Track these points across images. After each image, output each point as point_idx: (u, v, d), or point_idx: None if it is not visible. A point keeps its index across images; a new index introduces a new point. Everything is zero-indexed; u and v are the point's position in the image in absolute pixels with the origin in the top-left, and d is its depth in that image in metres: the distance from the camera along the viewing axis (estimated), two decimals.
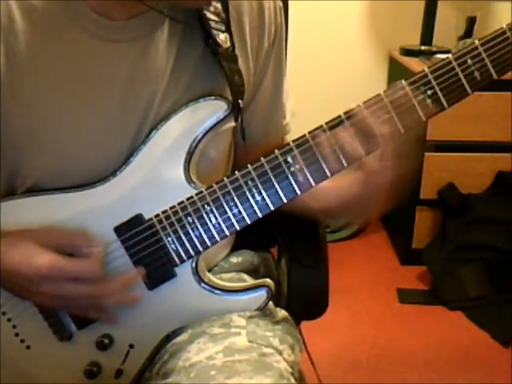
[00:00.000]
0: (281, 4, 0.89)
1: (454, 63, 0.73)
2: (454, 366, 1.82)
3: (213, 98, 0.78)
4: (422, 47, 2.37)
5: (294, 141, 0.76)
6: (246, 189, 0.77)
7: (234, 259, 1.00)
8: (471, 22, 2.24)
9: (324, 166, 0.75)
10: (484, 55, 0.73)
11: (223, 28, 0.80)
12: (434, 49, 2.35)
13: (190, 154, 0.78)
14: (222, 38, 0.79)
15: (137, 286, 0.80)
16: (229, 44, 0.80)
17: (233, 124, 0.84)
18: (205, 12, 0.78)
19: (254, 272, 1.01)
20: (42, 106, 0.76)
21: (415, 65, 2.14)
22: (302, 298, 0.98)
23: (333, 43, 2.57)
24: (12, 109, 0.76)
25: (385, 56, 2.61)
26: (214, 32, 0.78)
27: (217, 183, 0.77)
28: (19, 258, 0.75)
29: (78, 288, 0.76)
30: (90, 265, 0.76)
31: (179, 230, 0.78)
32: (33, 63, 0.75)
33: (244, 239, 1.01)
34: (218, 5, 0.80)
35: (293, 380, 0.77)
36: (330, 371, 1.76)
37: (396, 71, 2.48)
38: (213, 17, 0.79)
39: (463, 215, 2.18)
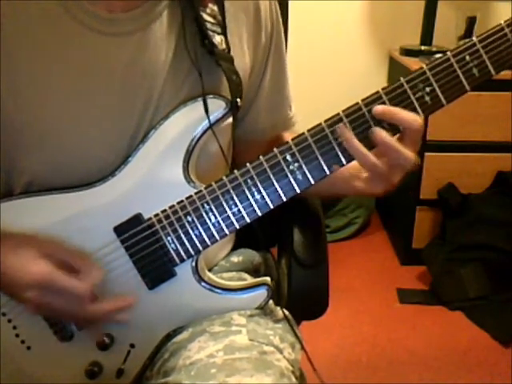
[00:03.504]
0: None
1: (452, 60, 0.73)
2: (454, 366, 1.82)
3: (211, 96, 0.78)
4: (422, 47, 2.37)
5: (292, 139, 0.76)
6: (245, 187, 0.77)
7: (235, 258, 1.00)
8: (471, 22, 2.25)
9: (323, 164, 0.75)
10: (482, 52, 0.72)
11: (219, 30, 0.80)
12: (434, 49, 2.35)
13: (188, 153, 0.79)
14: (218, 39, 0.80)
15: (137, 285, 0.80)
16: (224, 46, 0.80)
17: (231, 121, 0.84)
18: (201, 13, 0.79)
19: (254, 271, 1.01)
20: (39, 100, 0.77)
21: (415, 65, 2.14)
22: (302, 298, 0.98)
23: (333, 43, 2.57)
24: (9, 102, 0.76)
25: (385, 56, 2.62)
26: (210, 33, 0.79)
27: (216, 182, 0.77)
28: (16, 261, 0.75)
29: (63, 302, 0.76)
30: (83, 286, 0.75)
31: (179, 229, 0.78)
32: (29, 56, 0.75)
33: (244, 239, 1.01)
34: (215, 7, 0.81)
35: (293, 378, 0.77)
36: (330, 371, 1.76)
37: (396, 71, 2.48)
38: (209, 18, 0.79)
39: (463, 215, 2.18)
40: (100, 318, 0.79)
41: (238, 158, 0.92)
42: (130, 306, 0.79)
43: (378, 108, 0.74)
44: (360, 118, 0.74)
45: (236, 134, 0.95)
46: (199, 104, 0.78)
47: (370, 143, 0.74)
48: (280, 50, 0.92)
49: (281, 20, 0.92)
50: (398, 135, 0.75)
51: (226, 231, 0.78)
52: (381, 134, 0.73)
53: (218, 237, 0.79)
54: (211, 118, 0.78)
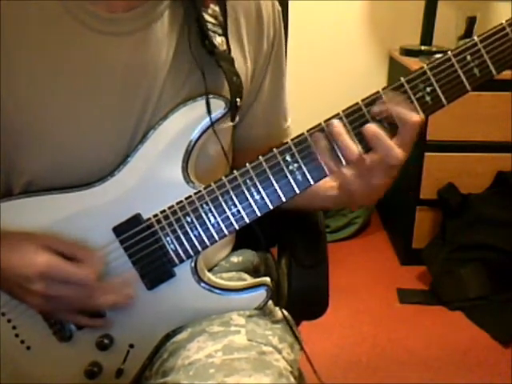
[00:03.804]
0: (279, 7, 0.90)
1: (453, 60, 0.73)
2: (454, 366, 1.82)
3: (211, 96, 0.78)
4: (422, 47, 2.37)
5: (292, 139, 0.76)
6: (244, 188, 0.77)
7: (235, 259, 1.00)
8: (471, 22, 2.25)
9: (323, 165, 0.75)
10: (483, 51, 0.72)
11: (220, 31, 0.80)
12: (434, 49, 2.35)
13: (187, 154, 0.78)
14: (219, 40, 0.80)
15: (136, 286, 0.80)
16: (225, 47, 0.80)
17: (231, 124, 0.84)
18: (203, 14, 0.79)
19: (254, 272, 1.01)
20: (39, 100, 0.76)
21: (415, 65, 2.14)
22: (302, 298, 0.98)
23: (333, 43, 2.57)
24: (9, 103, 0.76)
25: (385, 56, 2.61)
26: (211, 34, 0.79)
27: (215, 182, 0.77)
28: (18, 256, 0.75)
29: (70, 291, 0.76)
30: (87, 272, 0.76)
31: (178, 229, 0.78)
32: (29, 56, 0.75)
33: (244, 239, 1.01)
34: (216, 8, 0.80)
35: (292, 379, 0.77)
36: (330, 371, 1.76)
37: (396, 71, 2.48)
38: (210, 19, 0.79)
39: (463, 215, 2.18)
40: (107, 302, 0.79)
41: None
42: (132, 281, 0.79)
43: (377, 106, 0.74)
44: (360, 118, 0.74)
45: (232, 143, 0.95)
46: (198, 104, 0.78)
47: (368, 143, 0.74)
48: (280, 60, 0.92)
49: (283, 29, 0.92)
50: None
51: (226, 232, 0.78)
52: (373, 127, 0.73)
53: (217, 237, 0.79)
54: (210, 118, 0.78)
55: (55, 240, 0.78)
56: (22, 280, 0.75)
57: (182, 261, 0.79)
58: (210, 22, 0.80)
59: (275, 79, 0.92)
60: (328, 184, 0.83)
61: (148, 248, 0.79)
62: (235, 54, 0.83)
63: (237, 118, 0.84)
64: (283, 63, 0.93)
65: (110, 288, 0.78)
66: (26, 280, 0.75)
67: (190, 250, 0.79)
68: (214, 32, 0.80)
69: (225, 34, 0.81)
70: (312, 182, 0.76)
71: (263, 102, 0.92)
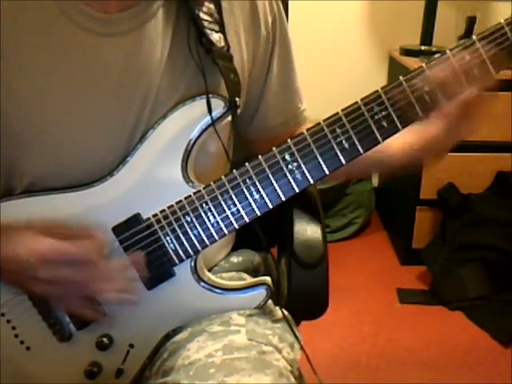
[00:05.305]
0: None
1: (452, 59, 0.73)
2: (454, 366, 1.82)
3: (210, 95, 0.78)
4: (422, 47, 2.37)
5: (291, 139, 0.76)
6: (244, 187, 0.77)
7: (235, 259, 1.00)
8: (471, 22, 2.24)
9: (322, 163, 0.75)
10: (482, 51, 0.72)
11: (217, 28, 0.80)
12: (434, 49, 2.35)
13: (187, 153, 0.79)
14: (216, 37, 0.80)
15: (136, 285, 0.80)
16: (223, 44, 0.80)
17: (230, 119, 0.84)
18: (197, 12, 0.79)
19: (254, 271, 1.01)
20: (38, 102, 0.77)
21: (415, 65, 2.11)
22: (301, 298, 0.98)
23: (333, 43, 2.57)
24: (9, 105, 0.76)
25: (385, 56, 2.62)
26: (208, 31, 0.79)
27: (215, 182, 0.77)
28: (20, 244, 0.75)
29: (75, 272, 0.75)
30: (89, 247, 0.75)
31: (177, 229, 0.78)
32: (27, 58, 0.75)
33: (244, 239, 1.01)
34: (211, 5, 0.80)
35: (292, 378, 0.77)
36: (330, 371, 1.76)
37: (396, 71, 2.48)
38: (206, 17, 0.79)
39: (463, 215, 2.18)
40: (114, 278, 0.78)
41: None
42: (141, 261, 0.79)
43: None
44: (359, 117, 0.74)
45: (249, 134, 0.95)
46: (197, 103, 0.78)
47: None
48: (285, 43, 0.91)
49: (284, 14, 0.91)
50: None
51: (225, 231, 0.78)
52: None
53: (216, 237, 0.79)
54: (209, 117, 0.78)
55: (53, 224, 0.78)
56: (26, 269, 0.75)
57: (181, 260, 0.79)
58: (206, 20, 0.79)
59: (283, 63, 0.92)
60: (404, 144, 0.84)
61: (148, 248, 0.79)
62: (232, 48, 0.82)
63: (239, 110, 0.84)
64: (289, 47, 0.93)
65: (115, 274, 0.78)
66: (30, 268, 0.74)
67: (189, 250, 0.79)
68: (211, 29, 0.79)
69: (222, 31, 0.81)
70: (312, 181, 0.76)
71: (273, 90, 0.91)
